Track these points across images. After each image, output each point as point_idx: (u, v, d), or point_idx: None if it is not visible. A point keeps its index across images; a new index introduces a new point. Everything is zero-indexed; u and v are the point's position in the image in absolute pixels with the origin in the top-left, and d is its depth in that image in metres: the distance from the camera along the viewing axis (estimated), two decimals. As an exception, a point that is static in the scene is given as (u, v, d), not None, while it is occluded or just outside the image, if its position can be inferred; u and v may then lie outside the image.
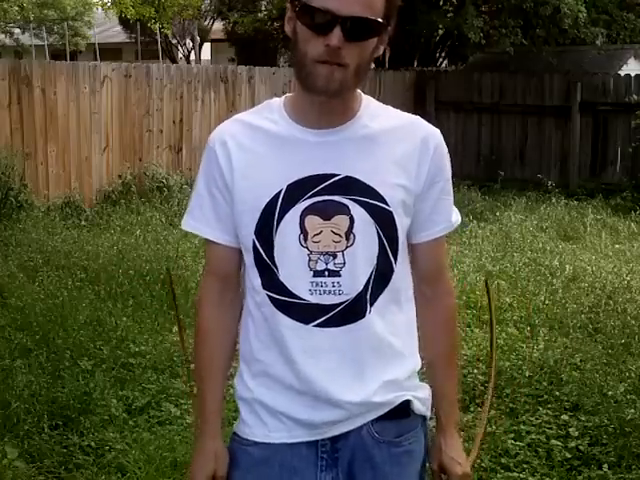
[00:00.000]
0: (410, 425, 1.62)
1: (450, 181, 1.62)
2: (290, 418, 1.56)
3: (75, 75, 8.67)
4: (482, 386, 4.18)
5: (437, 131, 1.61)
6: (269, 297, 1.55)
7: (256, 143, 1.56)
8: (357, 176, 1.52)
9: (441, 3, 13.02)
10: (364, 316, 1.54)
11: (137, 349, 4.62)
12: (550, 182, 10.40)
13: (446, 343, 1.70)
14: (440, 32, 13.70)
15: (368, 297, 1.54)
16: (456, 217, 1.63)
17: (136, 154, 9.31)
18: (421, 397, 1.64)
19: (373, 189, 1.52)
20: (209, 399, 1.65)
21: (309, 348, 1.54)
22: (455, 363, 1.73)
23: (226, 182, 1.57)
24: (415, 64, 13.80)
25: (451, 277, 1.73)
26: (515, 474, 3.37)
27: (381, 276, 1.55)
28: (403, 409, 1.60)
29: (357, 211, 1.52)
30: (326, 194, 1.51)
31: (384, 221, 1.53)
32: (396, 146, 1.56)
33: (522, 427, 3.75)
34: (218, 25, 23.06)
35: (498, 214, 8.94)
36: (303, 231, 1.52)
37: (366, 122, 1.56)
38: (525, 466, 3.43)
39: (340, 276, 1.52)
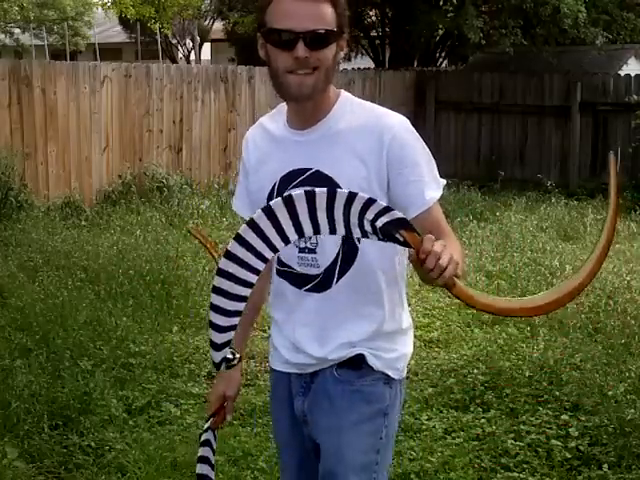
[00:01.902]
0: (367, 373, 1.92)
1: (418, 163, 1.84)
2: (281, 355, 2.01)
3: (75, 75, 8.67)
4: (482, 386, 4.18)
5: (395, 122, 1.85)
6: (276, 268, 1.97)
7: (264, 142, 1.96)
8: (323, 170, 1.84)
9: (441, 3, 13.02)
10: (330, 287, 1.89)
11: (137, 349, 4.62)
12: (550, 182, 10.40)
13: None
14: (440, 32, 13.70)
15: (336, 272, 1.88)
16: (432, 193, 1.83)
17: (136, 154, 9.31)
18: (380, 355, 1.92)
19: (334, 181, 1.82)
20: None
21: (301, 308, 1.93)
22: (458, 250, 1.72)
23: (247, 171, 2.01)
24: (415, 64, 13.79)
25: (456, 239, 1.82)
26: (515, 474, 3.37)
27: (347, 254, 1.87)
28: (357, 361, 1.91)
29: None
30: (303, 185, 1.82)
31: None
32: (358, 142, 1.84)
33: (522, 427, 3.75)
34: (218, 25, 23.07)
35: (498, 214, 8.94)
36: None
37: (335, 121, 1.87)
38: (525, 466, 3.44)
39: (316, 253, 1.89)
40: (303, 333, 1.94)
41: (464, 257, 1.73)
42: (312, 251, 1.88)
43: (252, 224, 1.52)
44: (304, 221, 1.51)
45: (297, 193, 1.49)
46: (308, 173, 1.85)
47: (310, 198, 1.49)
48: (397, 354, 1.95)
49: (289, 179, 1.87)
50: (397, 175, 1.81)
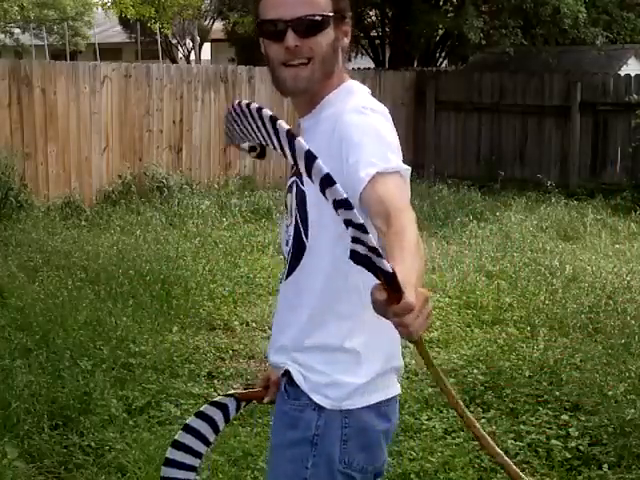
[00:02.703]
0: (300, 394, 1.75)
1: (360, 144, 1.60)
2: None
3: (75, 75, 8.67)
4: (482, 386, 4.18)
5: (349, 106, 1.69)
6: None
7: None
8: None
9: (441, 3, 13.02)
10: (284, 281, 1.81)
11: (137, 349, 4.62)
12: (550, 182, 10.40)
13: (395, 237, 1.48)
14: (440, 32, 13.70)
15: (287, 267, 1.79)
16: (368, 169, 1.56)
17: (136, 154, 9.31)
18: (308, 376, 1.74)
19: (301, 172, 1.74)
20: None
21: (280, 299, 1.87)
22: (413, 258, 1.43)
23: None
24: (415, 64, 13.79)
25: (409, 220, 1.51)
26: (515, 474, 3.36)
27: (297, 249, 1.76)
28: (289, 375, 1.77)
29: (294, 190, 1.78)
30: (293, 175, 1.80)
31: (300, 200, 1.75)
32: (324, 133, 1.71)
33: (522, 427, 3.75)
34: (218, 25, 23.07)
35: (498, 214, 8.94)
36: (284, 204, 1.85)
37: (326, 108, 1.75)
38: (525, 466, 3.43)
39: (288, 246, 1.80)
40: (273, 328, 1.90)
41: (420, 264, 1.44)
42: (287, 243, 1.81)
43: None
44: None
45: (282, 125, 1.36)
46: None
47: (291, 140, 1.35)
48: (327, 380, 1.72)
49: (291, 168, 1.82)
50: (344, 163, 1.61)
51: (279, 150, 1.41)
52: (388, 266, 1.29)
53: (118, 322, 4.97)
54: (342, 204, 1.29)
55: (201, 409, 1.98)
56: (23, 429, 3.60)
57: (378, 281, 1.30)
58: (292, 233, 1.77)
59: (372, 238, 1.28)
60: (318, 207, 1.68)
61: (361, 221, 1.28)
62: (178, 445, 1.97)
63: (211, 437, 1.98)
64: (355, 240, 1.30)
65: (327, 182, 1.29)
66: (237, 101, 1.48)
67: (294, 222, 1.76)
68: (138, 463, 3.34)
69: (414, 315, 1.30)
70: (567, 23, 10.96)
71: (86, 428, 3.66)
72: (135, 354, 4.55)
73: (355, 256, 1.31)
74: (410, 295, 1.29)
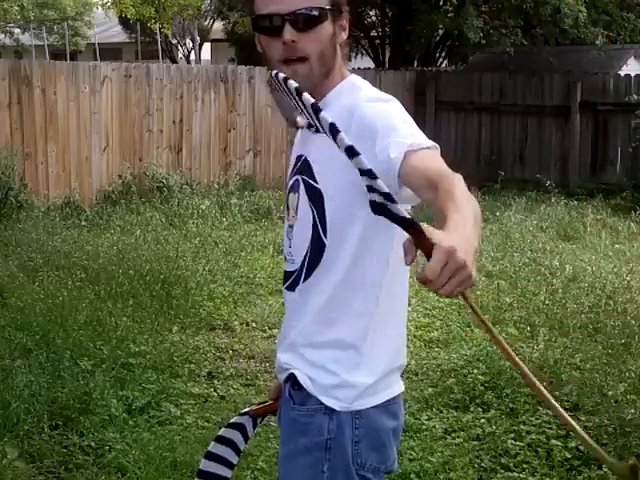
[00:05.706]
0: (305, 399, 1.72)
1: (381, 131, 1.56)
2: None
3: (75, 75, 8.67)
4: (482, 386, 4.18)
5: (358, 101, 1.64)
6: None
7: None
8: (308, 157, 1.74)
9: (441, 3, 13.03)
10: (298, 285, 1.74)
11: (137, 349, 4.62)
12: (550, 182, 10.39)
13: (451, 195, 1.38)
14: (440, 32, 13.70)
15: (304, 270, 1.72)
16: (398, 148, 1.52)
17: (136, 154, 9.31)
18: (315, 379, 1.71)
19: (311, 169, 1.71)
20: None
21: (285, 305, 1.84)
22: (468, 210, 1.34)
23: None
24: (415, 64, 13.80)
25: (456, 180, 1.42)
26: (515, 474, 3.37)
27: (315, 251, 1.70)
28: (294, 379, 1.73)
29: (301, 189, 1.73)
30: (296, 173, 1.77)
31: (315, 198, 1.70)
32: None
33: (522, 427, 3.75)
34: (218, 25, 23.10)
35: (498, 214, 8.94)
36: (286, 205, 1.81)
37: (329, 104, 1.69)
38: (525, 466, 3.44)
39: (291, 247, 1.76)
40: (281, 332, 1.85)
41: (477, 221, 1.34)
42: (289, 245, 1.77)
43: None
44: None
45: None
46: (301, 160, 1.76)
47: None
48: (336, 381, 1.69)
49: (293, 166, 1.80)
50: (372, 152, 1.54)
51: (312, 121, 1.38)
52: (403, 211, 1.26)
53: (118, 322, 4.97)
54: (365, 173, 1.28)
55: (220, 433, 1.95)
56: (23, 429, 3.61)
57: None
58: (309, 235, 1.70)
59: (382, 184, 1.27)
60: (340, 204, 1.66)
61: (369, 167, 1.27)
62: (203, 473, 1.95)
63: (234, 460, 1.95)
64: (370, 189, 1.28)
65: (350, 154, 1.28)
66: (274, 72, 1.43)
67: (312, 223, 1.69)
68: (138, 463, 3.34)
69: (439, 270, 1.18)
70: (567, 23, 10.96)
71: (86, 428, 3.66)
72: (135, 354, 4.54)
73: (373, 206, 1.29)
74: (448, 243, 1.19)
